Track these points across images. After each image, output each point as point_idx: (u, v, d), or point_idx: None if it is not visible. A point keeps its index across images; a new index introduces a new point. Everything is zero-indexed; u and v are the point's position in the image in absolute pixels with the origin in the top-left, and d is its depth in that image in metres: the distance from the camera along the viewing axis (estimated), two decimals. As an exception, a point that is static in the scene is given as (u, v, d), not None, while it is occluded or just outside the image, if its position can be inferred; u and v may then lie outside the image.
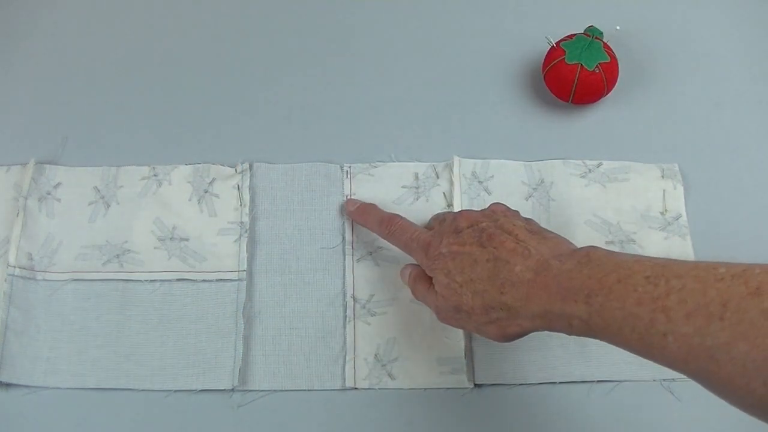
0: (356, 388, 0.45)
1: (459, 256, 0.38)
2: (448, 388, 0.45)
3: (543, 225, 0.41)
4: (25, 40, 0.56)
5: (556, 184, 0.50)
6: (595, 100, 0.53)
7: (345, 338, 0.46)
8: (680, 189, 0.51)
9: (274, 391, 0.45)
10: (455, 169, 0.50)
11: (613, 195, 0.50)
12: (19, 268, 0.47)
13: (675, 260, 0.31)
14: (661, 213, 0.50)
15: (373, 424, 0.45)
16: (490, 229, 0.38)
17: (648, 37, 0.56)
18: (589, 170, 0.51)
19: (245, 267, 0.48)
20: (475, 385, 0.45)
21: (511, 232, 0.38)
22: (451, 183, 0.50)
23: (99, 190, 0.50)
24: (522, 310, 0.35)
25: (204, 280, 0.48)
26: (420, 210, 0.50)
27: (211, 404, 0.45)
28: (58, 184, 0.50)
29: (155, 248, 0.48)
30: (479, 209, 0.42)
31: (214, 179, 0.50)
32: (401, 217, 0.46)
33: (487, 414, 0.45)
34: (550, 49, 0.52)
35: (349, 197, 0.50)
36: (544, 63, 0.53)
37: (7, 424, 0.44)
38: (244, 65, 0.55)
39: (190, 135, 0.52)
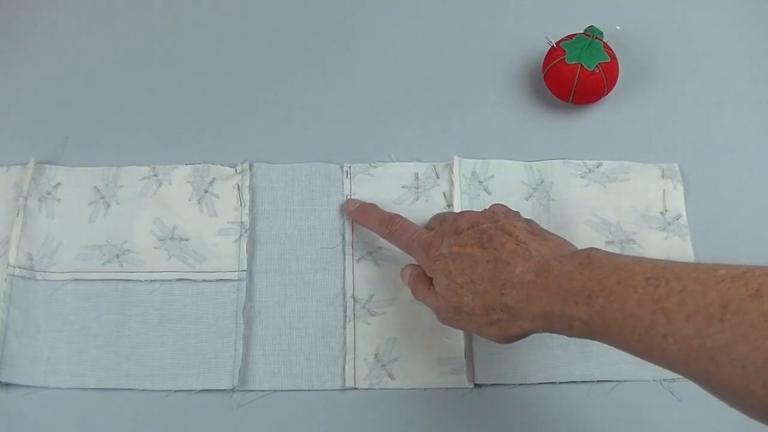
0: (356, 388, 0.45)
1: (459, 257, 0.38)
2: (448, 388, 0.45)
3: (543, 225, 0.42)
4: (25, 40, 0.56)
5: (556, 184, 0.50)
6: (595, 100, 0.53)
7: (345, 338, 0.46)
8: (680, 189, 0.51)
9: (274, 391, 0.45)
10: (455, 169, 0.50)
11: (613, 195, 0.50)
12: (19, 268, 0.47)
13: (675, 262, 0.31)
14: (661, 213, 0.50)
15: (373, 424, 0.45)
16: (491, 231, 0.38)
17: (648, 37, 0.56)
18: (589, 170, 0.51)
19: (245, 267, 0.48)
20: (475, 385, 0.45)
21: (512, 234, 0.38)
22: (451, 183, 0.50)
23: (99, 190, 0.50)
24: (522, 312, 0.35)
25: (204, 280, 0.48)
26: (420, 210, 0.50)
27: (211, 404, 0.45)
28: (58, 184, 0.50)
29: (155, 248, 0.48)
30: (480, 210, 0.42)
31: (214, 179, 0.50)
32: (401, 217, 0.46)
33: (487, 414, 0.45)
34: (550, 49, 0.52)
35: (349, 197, 0.50)
36: (544, 63, 0.53)
37: (7, 424, 0.44)
38: (244, 65, 0.55)
39: (190, 135, 0.52)
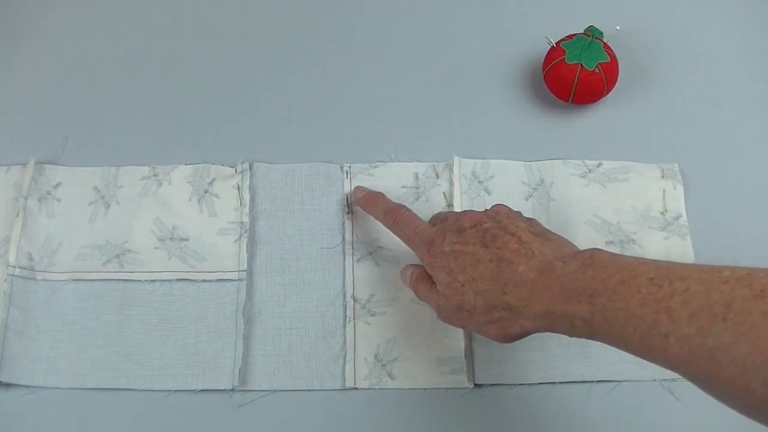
0: (356, 388, 0.45)
1: (461, 256, 0.38)
2: (448, 388, 0.45)
3: (543, 225, 0.41)
4: (25, 40, 0.56)
5: (556, 184, 0.50)
6: (595, 100, 0.53)
7: (345, 338, 0.46)
8: (680, 189, 0.51)
9: (274, 391, 0.45)
10: (455, 169, 0.50)
11: (613, 195, 0.50)
12: (19, 268, 0.47)
13: (678, 263, 0.31)
14: (661, 213, 0.50)
15: (373, 424, 0.45)
16: (494, 230, 0.38)
17: (648, 37, 0.56)
18: (589, 170, 0.51)
19: (245, 267, 0.48)
20: (475, 385, 0.45)
21: (515, 233, 0.38)
22: (451, 183, 0.50)
23: (99, 190, 0.50)
24: (524, 311, 0.35)
25: (204, 280, 0.48)
26: (420, 210, 0.49)
27: (211, 404, 0.45)
28: (58, 184, 0.50)
29: (155, 248, 0.48)
30: (481, 210, 0.42)
31: (214, 179, 0.50)
32: (407, 208, 0.45)
33: (487, 414, 0.45)
34: (550, 49, 0.52)
35: (350, 195, 0.50)
36: (544, 63, 0.53)
37: (7, 424, 0.44)
38: (244, 65, 0.55)
39: (190, 135, 0.52)
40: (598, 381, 0.45)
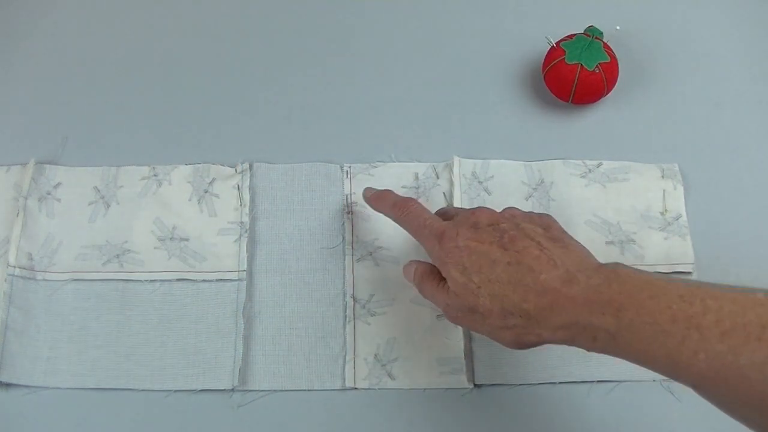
0: (356, 388, 0.45)
1: (476, 253, 0.37)
2: (448, 388, 0.45)
3: (560, 225, 0.40)
4: (25, 40, 0.56)
5: (556, 184, 0.50)
6: (595, 100, 0.53)
7: (345, 338, 0.46)
8: (680, 189, 0.51)
9: (274, 391, 0.45)
10: (455, 169, 0.50)
11: (613, 195, 0.50)
12: (19, 268, 0.47)
13: (706, 282, 0.31)
14: (661, 213, 0.50)
15: (373, 424, 0.45)
16: (512, 231, 0.37)
17: (648, 37, 0.56)
18: (589, 170, 0.51)
19: (245, 267, 0.48)
20: (475, 385, 0.45)
21: (534, 238, 0.37)
22: (451, 183, 0.50)
23: (99, 190, 0.50)
24: (543, 321, 0.34)
25: (204, 280, 0.48)
26: (420, 210, 0.49)
27: (211, 404, 0.45)
28: (58, 184, 0.50)
29: (155, 248, 0.48)
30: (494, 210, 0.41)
31: (214, 179, 0.50)
32: (416, 201, 0.43)
33: (487, 414, 0.45)
34: (550, 49, 0.52)
35: (349, 195, 0.50)
36: (544, 63, 0.53)
37: (7, 424, 0.44)
38: (244, 65, 0.55)
39: (190, 135, 0.52)
40: (598, 381, 0.45)
